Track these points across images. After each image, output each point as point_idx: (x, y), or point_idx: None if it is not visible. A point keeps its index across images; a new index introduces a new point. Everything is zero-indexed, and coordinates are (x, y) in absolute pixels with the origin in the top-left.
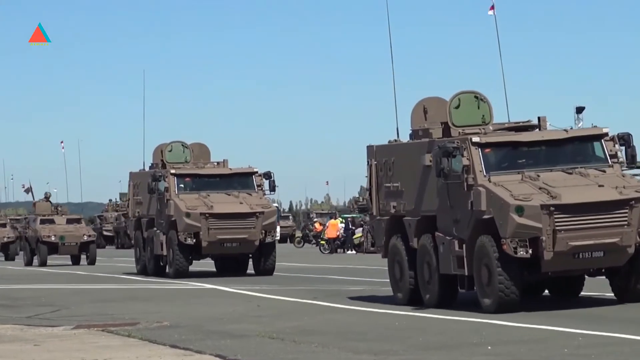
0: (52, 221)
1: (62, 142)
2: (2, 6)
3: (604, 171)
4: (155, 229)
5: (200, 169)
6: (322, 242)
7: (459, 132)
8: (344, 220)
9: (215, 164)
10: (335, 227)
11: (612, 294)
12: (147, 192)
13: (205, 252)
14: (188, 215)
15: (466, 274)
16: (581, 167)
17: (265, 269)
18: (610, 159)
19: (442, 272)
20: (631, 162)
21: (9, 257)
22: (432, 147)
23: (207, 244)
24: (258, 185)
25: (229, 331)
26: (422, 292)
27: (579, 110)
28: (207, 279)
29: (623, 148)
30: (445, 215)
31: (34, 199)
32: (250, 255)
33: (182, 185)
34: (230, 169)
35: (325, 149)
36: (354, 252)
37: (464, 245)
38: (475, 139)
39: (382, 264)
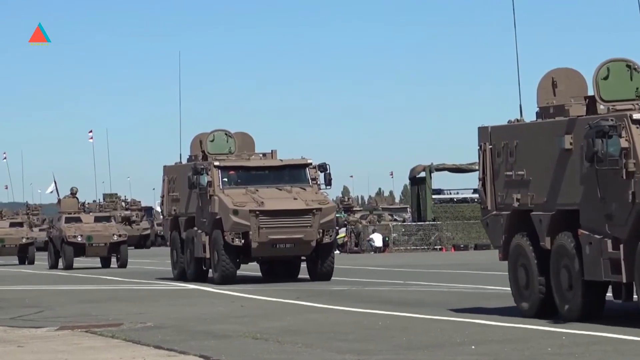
0: (78, 219)
1: (90, 131)
2: (2, 6)
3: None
4: (195, 228)
5: (247, 160)
6: None
7: (609, 109)
8: None
9: (261, 155)
10: None
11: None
12: (184, 188)
13: (255, 254)
14: (236, 212)
15: (624, 281)
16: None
17: (322, 272)
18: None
19: (587, 279)
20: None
21: (28, 261)
22: (574, 126)
23: (257, 245)
24: (312, 179)
25: (212, 331)
26: (560, 302)
27: None
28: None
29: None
30: (592, 209)
31: (58, 195)
32: (304, 258)
33: (225, 179)
34: (281, 160)
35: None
36: (337, 251)
37: (620, 246)
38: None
39: (365, 263)
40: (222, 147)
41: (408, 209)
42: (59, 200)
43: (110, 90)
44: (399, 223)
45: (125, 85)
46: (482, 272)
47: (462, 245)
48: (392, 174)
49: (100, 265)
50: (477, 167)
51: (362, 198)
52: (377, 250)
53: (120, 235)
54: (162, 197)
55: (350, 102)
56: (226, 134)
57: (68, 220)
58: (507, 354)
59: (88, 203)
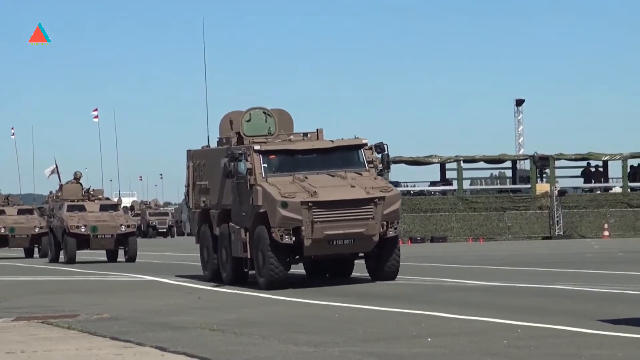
0: (82, 208)
1: (95, 109)
2: (2, 6)
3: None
4: (232, 223)
5: (291, 142)
6: None
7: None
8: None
9: (303, 135)
10: None
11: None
12: (216, 176)
13: (308, 253)
14: (285, 205)
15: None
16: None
17: (386, 271)
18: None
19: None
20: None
21: (41, 253)
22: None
23: (311, 243)
24: (369, 162)
25: (169, 323)
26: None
27: (519, 102)
28: (145, 268)
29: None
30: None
31: (60, 180)
32: (361, 254)
33: (265, 165)
34: (332, 141)
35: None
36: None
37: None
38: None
39: None
40: (261, 128)
41: None
42: (61, 186)
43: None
44: None
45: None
46: (439, 265)
47: (418, 238)
48: None
49: (106, 258)
50: (434, 160)
51: None
52: None
53: (129, 226)
54: (187, 186)
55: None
56: (264, 112)
57: (70, 208)
58: (463, 347)
59: (93, 190)
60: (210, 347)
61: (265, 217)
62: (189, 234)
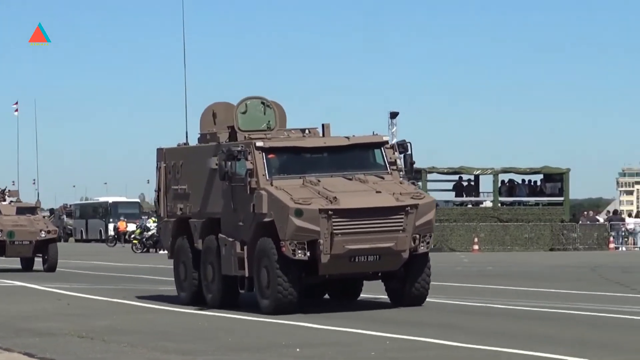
0: None
1: (16, 103)
2: (2, 6)
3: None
4: (222, 235)
5: (301, 139)
6: (134, 241)
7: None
8: (156, 220)
9: (301, 131)
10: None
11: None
12: (198, 179)
13: (324, 271)
14: (299, 213)
15: (246, 275)
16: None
17: (414, 294)
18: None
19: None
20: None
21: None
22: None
23: (330, 259)
24: (391, 163)
25: (38, 329)
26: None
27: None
28: (16, 274)
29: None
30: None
31: None
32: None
33: (269, 166)
34: (348, 138)
35: (130, 149)
36: (166, 252)
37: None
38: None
39: None
40: (259, 121)
41: None
42: None
43: None
44: None
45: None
46: None
47: None
48: (148, 182)
49: (20, 266)
50: None
51: None
52: None
53: (49, 232)
54: (157, 191)
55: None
56: (263, 103)
57: None
58: (331, 357)
59: (9, 190)
60: (79, 354)
61: (272, 228)
62: (78, 240)
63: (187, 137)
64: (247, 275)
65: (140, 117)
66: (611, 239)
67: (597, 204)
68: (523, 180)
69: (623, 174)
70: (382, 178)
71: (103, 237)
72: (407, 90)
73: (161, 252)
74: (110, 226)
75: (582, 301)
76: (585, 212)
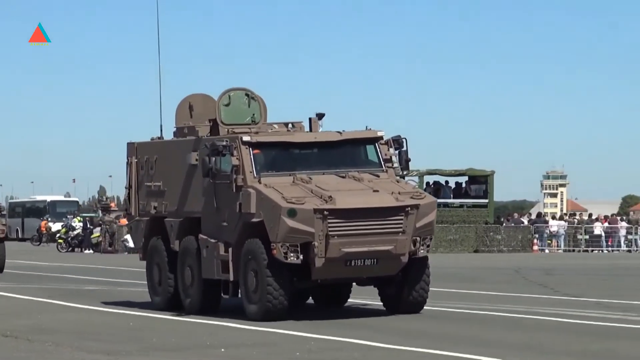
0: None
1: None
2: (2, 6)
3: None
4: (203, 236)
5: (290, 134)
6: (60, 240)
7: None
8: (82, 219)
9: (284, 126)
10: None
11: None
12: (174, 175)
13: (318, 275)
14: (293, 213)
15: (231, 279)
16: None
17: (411, 302)
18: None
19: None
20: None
21: None
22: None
23: (324, 263)
24: (386, 160)
25: None
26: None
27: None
28: None
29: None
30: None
31: None
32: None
33: (256, 162)
34: (340, 133)
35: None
36: (91, 251)
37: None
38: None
39: (119, 263)
40: (243, 114)
41: None
42: None
43: None
44: None
45: None
46: None
47: None
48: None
49: None
50: None
51: (119, 198)
52: (130, 250)
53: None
54: (128, 188)
55: None
56: (247, 95)
57: None
58: (255, 358)
59: None
60: (2, 354)
61: (260, 229)
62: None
63: (161, 130)
64: (231, 279)
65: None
66: (535, 241)
67: (522, 206)
68: (447, 182)
69: (547, 177)
70: (377, 176)
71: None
72: (332, 91)
73: (87, 251)
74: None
75: (505, 303)
76: (509, 216)
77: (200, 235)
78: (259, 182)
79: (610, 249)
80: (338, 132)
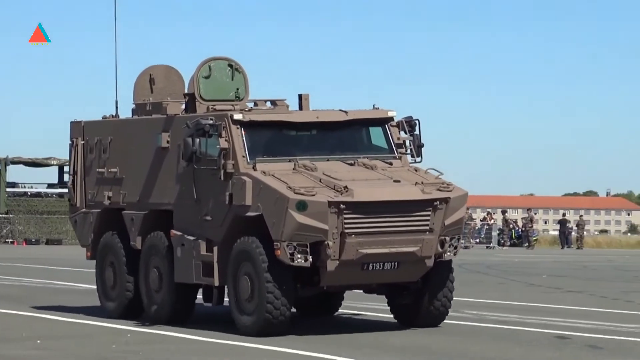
0: None
1: None
2: (2, 6)
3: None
4: (176, 232)
5: (288, 113)
6: None
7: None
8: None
9: (270, 103)
10: None
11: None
12: (137, 159)
13: (328, 281)
14: (303, 206)
15: (215, 284)
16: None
17: (432, 313)
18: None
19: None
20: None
21: None
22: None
23: (338, 267)
24: (398, 145)
25: None
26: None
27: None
28: None
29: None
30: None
31: None
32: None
33: (249, 145)
34: (346, 112)
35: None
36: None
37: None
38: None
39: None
40: (226, 89)
41: None
42: None
43: None
44: None
45: None
46: (53, 268)
47: (33, 240)
48: None
49: None
50: (53, 162)
51: None
52: None
53: None
54: (73, 174)
55: None
56: (231, 66)
57: None
58: (73, 349)
59: None
60: None
61: (257, 225)
62: None
63: (116, 107)
64: (216, 284)
65: None
66: None
67: None
68: None
69: None
70: (390, 164)
71: None
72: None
73: None
74: None
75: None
76: None
77: (173, 231)
78: (254, 168)
79: None
80: (343, 110)
